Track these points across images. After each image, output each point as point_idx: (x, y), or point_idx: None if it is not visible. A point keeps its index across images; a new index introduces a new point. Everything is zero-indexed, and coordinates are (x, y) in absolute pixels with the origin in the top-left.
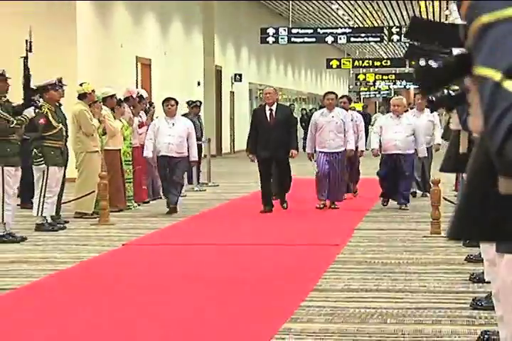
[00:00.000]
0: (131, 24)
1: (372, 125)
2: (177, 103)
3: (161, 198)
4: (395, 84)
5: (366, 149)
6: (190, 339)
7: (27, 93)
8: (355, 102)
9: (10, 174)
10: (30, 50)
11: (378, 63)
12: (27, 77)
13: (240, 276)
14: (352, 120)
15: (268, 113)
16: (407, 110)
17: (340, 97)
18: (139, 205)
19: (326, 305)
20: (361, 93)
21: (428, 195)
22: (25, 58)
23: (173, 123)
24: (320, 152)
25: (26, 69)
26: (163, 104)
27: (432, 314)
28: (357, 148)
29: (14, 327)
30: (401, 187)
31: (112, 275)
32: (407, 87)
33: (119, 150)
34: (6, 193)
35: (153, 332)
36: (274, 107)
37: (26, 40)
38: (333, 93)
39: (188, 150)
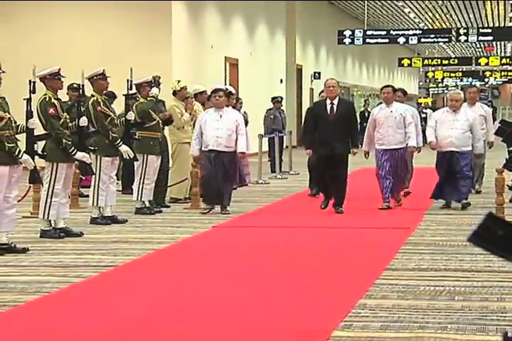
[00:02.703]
0: (220, 26)
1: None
2: (226, 95)
3: (246, 185)
4: (461, 81)
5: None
6: (271, 311)
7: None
8: (424, 97)
9: (107, 163)
10: (131, 88)
11: (446, 62)
12: (127, 110)
13: (319, 256)
14: None
15: (329, 107)
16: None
17: (396, 90)
18: None
19: (398, 283)
20: (430, 89)
21: (473, 191)
22: (128, 95)
23: (220, 115)
24: (379, 150)
25: (126, 106)
26: (211, 95)
27: (497, 292)
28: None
29: (117, 297)
30: (459, 187)
31: (202, 254)
32: (473, 83)
33: None
34: (101, 180)
35: (241, 303)
36: (335, 101)
37: (127, 80)
38: (390, 86)
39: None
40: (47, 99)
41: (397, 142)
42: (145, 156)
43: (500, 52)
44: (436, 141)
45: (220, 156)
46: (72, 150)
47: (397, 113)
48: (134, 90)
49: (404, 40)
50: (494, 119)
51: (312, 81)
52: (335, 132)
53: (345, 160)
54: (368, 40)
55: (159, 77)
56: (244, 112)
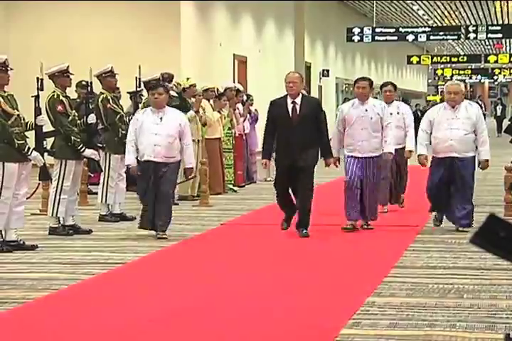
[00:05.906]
0: (229, 24)
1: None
2: (167, 91)
3: (255, 182)
4: (470, 78)
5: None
6: (280, 309)
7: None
8: (433, 95)
9: (116, 161)
10: (140, 86)
11: (455, 59)
12: (136, 105)
13: (328, 254)
14: (398, 113)
15: (290, 107)
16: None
17: (383, 85)
18: (234, 191)
19: (407, 280)
20: (439, 86)
21: None
22: (136, 93)
23: (160, 118)
24: (349, 156)
25: (136, 103)
26: (148, 92)
27: (506, 290)
28: (403, 148)
29: (126, 295)
30: (459, 202)
31: (211, 251)
32: (482, 81)
33: (219, 138)
34: (110, 178)
35: (249, 301)
36: (298, 100)
37: (136, 77)
38: (366, 79)
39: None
40: (55, 97)
41: (373, 149)
42: None
43: (510, 49)
44: (426, 155)
45: (158, 169)
46: (81, 148)
47: (374, 112)
48: (141, 88)
49: (413, 37)
50: (504, 117)
51: (321, 78)
52: (299, 138)
53: (311, 172)
54: (376, 38)
55: (172, 76)
56: (256, 110)
